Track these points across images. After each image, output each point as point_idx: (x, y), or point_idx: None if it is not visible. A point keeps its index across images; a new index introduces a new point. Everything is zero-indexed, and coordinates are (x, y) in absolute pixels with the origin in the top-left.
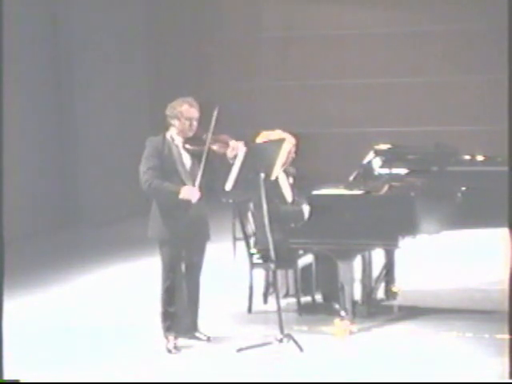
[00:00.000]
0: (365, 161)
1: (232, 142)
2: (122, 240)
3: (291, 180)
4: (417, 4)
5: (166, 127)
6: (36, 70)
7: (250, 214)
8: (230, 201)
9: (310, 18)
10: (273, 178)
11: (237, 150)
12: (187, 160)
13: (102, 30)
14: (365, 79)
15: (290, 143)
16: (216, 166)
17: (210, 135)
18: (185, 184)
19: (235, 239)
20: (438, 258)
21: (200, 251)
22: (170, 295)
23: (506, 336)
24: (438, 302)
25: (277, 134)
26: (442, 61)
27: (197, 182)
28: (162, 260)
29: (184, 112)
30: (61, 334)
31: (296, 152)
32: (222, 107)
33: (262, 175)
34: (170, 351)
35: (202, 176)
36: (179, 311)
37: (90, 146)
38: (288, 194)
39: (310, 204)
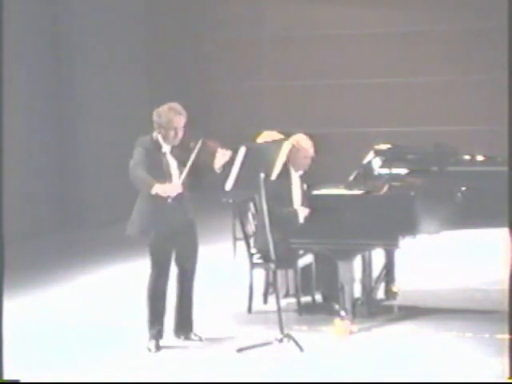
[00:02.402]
0: (365, 161)
1: (219, 152)
2: (121, 240)
3: (305, 187)
4: (417, 4)
5: (153, 128)
6: (36, 70)
7: (249, 214)
8: (230, 201)
9: (310, 18)
10: (273, 177)
11: (224, 159)
12: (174, 169)
13: (102, 30)
14: (365, 79)
15: (291, 144)
16: (202, 170)
17: (183, 177)
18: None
19: (235, 239)
20: (438, 258)
21: (191, 257)
22: (155, 297)
23: (506, 336)
24: (437, 302)
25: (299, 137)
26: (442, 61)
27: (181, 178)
28: (150, 261)
29: (170, 121)
30: (61, 334)
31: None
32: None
33: (262, 175)
34: (149, 350)
35: (188, 175)
36: (164, 315)
37: (90, 147)
38: (297, 200)
39: (309, 204)
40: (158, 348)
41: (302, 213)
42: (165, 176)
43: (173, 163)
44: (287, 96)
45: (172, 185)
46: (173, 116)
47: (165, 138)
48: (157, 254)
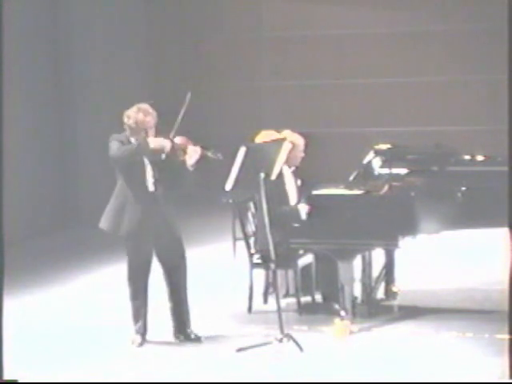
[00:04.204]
0: (365, 161)
1: (189, 149)
2: (121, 240)
3: (299, 182)
4: (417, 4)
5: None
6: (36, 70)
7: (249, 214)
8: (230, 201)
9: (310, 17)
10: (273, 177)
11: (195, 156)
12: (147, 168)
13: (102, 30)
14: (365, 79)
15: (290, 143)
16: (175, 168)
17: (173, 133)
18: (146, 188)
19: (235, 239)
20: (438, 258)
21: (174, 252)
22: (131, 294)
23: (506, 336)
24: (438, 302)
25: (285, 134)
26: (442, 61)
27: (171, 135)
28: (127, 259)
29: (139, 122)
30: (61, 334)
31: (305, 152)
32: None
33: (262, 175)
34: (132, 343)
35: (162, 174)
36: (144, 311)
37: (90, 147)
38: (293, 197)
39: (309, 204)
40: (142, 343)
41: (303, 210)
42: (138, 173)
43: (145, 162)
44: (287, 96)
45: (164, 140)
46: (142, 117)
47: (136, 139)
48: (132, 253)
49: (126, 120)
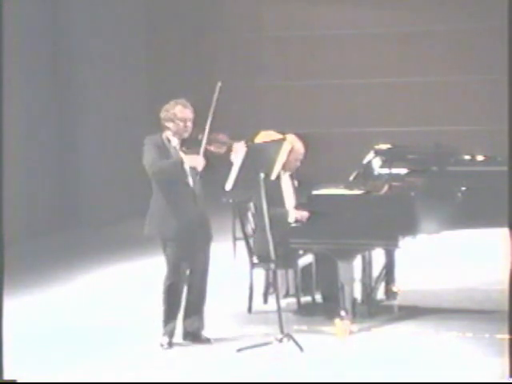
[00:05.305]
0: (365, 161)
1: (236, 145)
2: (121, 240)
3: (296, 183)
4: (417, 4)
5: (162, 129)
6: (36, 70)
7: (250, 214)
8: (230, 201)
9: (310, 17)
10: (273, 177)
11: (241, 153)
12: (186, 164)
13: (102, 30)
14: (365, 79)
15: (290, 144)
16: (214, 165)
17: (207, 130)
18: (188, 185)
19: (235, 239)
20: (438, 258)
21: (204, 254)
22: (170, 295)
23: (506, 336)
24: (438, 302)
25: (291, 138)
26: (442, 61)
27: (201, 151)
28: (166, 259)
29: (178, 113)
30: (61, 334)
31: (305, 152)
32: (224, 100)
33: (262, 175)
34: (162, 345)
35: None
36: (179, 312)
37: (89, 147)
38: (289, 198)
39: (303, 202)
40: (171, 345)
41: (293, 214)
42: (176, 171)
43: (184, 158)
44: (287, 96)
45: (199, 157)
46: (181, 108)
47: (174, 132)
48: (175, 252)
49: (163, 114)
